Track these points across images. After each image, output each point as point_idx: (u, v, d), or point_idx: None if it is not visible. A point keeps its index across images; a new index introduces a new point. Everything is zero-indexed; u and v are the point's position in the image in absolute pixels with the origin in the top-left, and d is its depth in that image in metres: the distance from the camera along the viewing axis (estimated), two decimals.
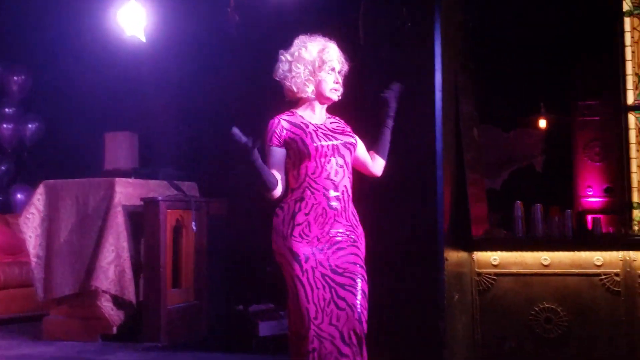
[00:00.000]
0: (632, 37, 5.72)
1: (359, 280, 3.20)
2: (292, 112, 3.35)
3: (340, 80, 3.35)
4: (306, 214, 3.18)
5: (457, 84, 4.81)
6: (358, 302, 3.16)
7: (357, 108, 4.47)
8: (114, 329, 5.51)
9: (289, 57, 3.35)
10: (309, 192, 3.19)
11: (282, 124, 3.27)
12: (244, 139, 3.02)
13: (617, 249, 4.52)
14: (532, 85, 5.71)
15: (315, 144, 3.20)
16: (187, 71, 6.47)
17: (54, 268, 5.66)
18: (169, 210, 5.57)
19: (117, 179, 5.68)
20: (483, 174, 5.41)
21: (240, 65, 6.20)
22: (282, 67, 3.36)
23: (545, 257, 4.64)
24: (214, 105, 6.25)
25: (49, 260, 5.73)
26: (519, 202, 4.86)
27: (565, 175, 5.66)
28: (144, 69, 6.51)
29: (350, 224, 3.26)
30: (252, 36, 5.96)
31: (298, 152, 3.21)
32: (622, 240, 4.73)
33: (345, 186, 3.26)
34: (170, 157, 6.63)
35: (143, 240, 5.63)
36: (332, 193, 3.21)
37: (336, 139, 3.28)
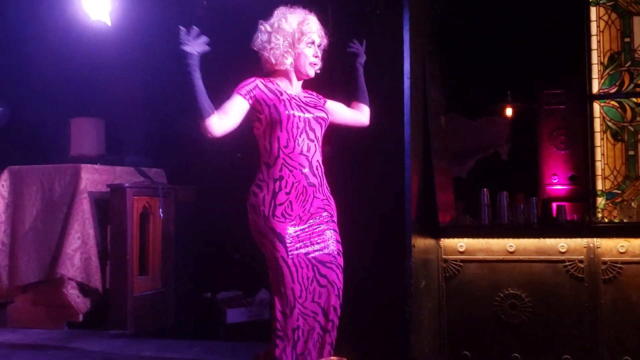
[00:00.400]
0: (598, 27, 5.79)
1: (339, 257, 3.29)
2: (271, 80, 3.34)
3: (319, 54, 3.35)
4: (287, 193, 3.19)
5: (425, 72, 4.83)
6: (338, 278, 3.25)
7: (326, 96, 4.46)
8: (80, 317, 5.47)
9: (268, 28, 3.33)
10: (287, 171, 3.19)
11: (257, 82, 3.26)
12: (189, 41, 3.08)
13: (581, 236, 4.58)
14: (499, 74, 5.76)
15: (287, 112, 3.19)
16: (155, 56, 6.40)
17: (19, 255, 5.59)
18: (135, 197, 5.52)
19: (83, 165, 5.62)
20: (450, 162, 5.45)
21: (209, 50, 6.15)
22: (261, 37, 3.34)
23: (510, 244, 4.70)
24: (182, 92, 6.19)
25: (13, 247, 5.66)
26: (485, 189, 4.90)
27: (530, 163, 5.73)
28: (110, 54, 6.43)
29: (326, 197, 3.32)
30: (220, 20, 5.91)
31: (270, 118, 3.19)
32: (586, 227, 4.80)
33: (317, 161, 3.29)
34: (138, 144, 6.57)
35: (109, 227, 5.58)
36: (307, 169, 3.23)
37: (309, 112, 3.28)
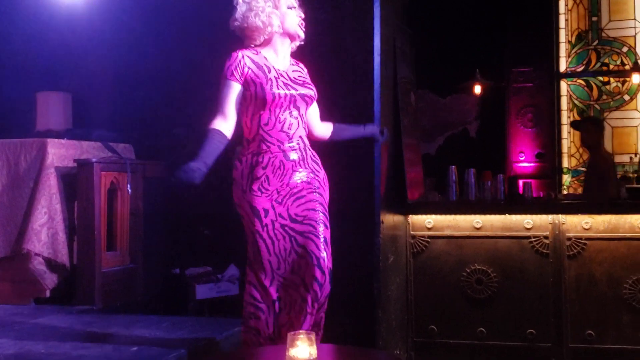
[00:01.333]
0: (566, 5, 5.85)
1: (318, 227, 3.20)
2: (256, 51, 3.26)
3: (302, 16, 3.28)
4: (264, 168, 3.16)
5: (395, 49, 4.83)
6: (317, 248, 3.16)
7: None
8: (47, 292, 5.41)
9: (253, 1, 3.24)
10: (264, 146, 3.16)
11: (245, 60, 3.19)
12: (189, 178, 2.99)
13: (547, 213, 4.66)
14: (468, 52, 5.80)
15: (272, 92, 3.13)
16: (124, 30, 6.31)
17: None
18: (103, 172, 5.46)
19: (49, 140, 5.53)
20: (419, 139, 5.48)
21: (178, 25, 6.09)
22: (240, 9, 3.26)
23: (477, 220, 4.75)
24: (151, 66, 6.12)
25: None
26: (453, 166, 4.95)
27: (498, 141, 5.80)
28: (78, 27, 6.32)
29: (311, 170, 3.26)
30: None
31: (255, 97, 3.15)
32: (551, 204, 4.88)
33: (300, 136, 3.23)
34: (105, 119, 6.48)
35: (77, 202, 5.52)
36: (287, 144, 3.18)
37: (295, 89, 3.21)
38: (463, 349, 4.72)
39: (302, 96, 3.23)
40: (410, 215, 4.82)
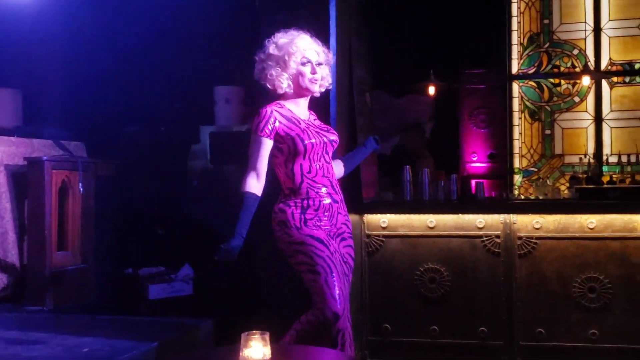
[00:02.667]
0: (519, 8, 5.95)
1: (351, 272, 3.42)
2: (281, 105, 3.36)
3: (319, 71, 3.35)
4: (315, 210, 3.27)
5: (351, 49, 4.85)
6: (348, 293, 3.32)
7: (254, 68, 4.44)
8: None
9: (262, 56, 3.39)
10: (313, 192, 3.28)
11: (275, 114, 3.28)
12: (229, 257, 3.12)
13: (499, 212, 4.72)
14: (423, 53, 5.84)
15: (309, 141, 3.25)
16: (75, 26, 6.21)
17: None
18: (54, 171, 5.38)
19: None
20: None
21: (133, 22, 6.02)
22: (257, 67, 3.40)
23: (431, 220, 4.80)
24: (104, 63, 6.04)
25: None
26: (407, 166, 4.99)
27: (452, 141, 5.86)
28: (28, 22, 6.20)
29: (346, 213, 3.43)
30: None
31: (293, 148, 3.25)
32: (503, 203, 4.95)
33: (336, 180, 3.40)
34: (57, 116, 6.38)
35: (27, 201, 5.43)
36: (331, 188, 3.33)
37: (325, 136, 3.35)
38: (416, 347, 4.77)
39: (331, 142, 3.38)
40: (365, 215, 4.85)
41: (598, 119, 5.80)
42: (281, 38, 3.38)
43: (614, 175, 5.44)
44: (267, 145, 3.27)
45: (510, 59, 5.89)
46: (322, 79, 3.40)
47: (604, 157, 5.69)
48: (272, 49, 3.36)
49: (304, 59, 3.34)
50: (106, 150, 6.03)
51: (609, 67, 5.83)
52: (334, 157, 3.58)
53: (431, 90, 5.82)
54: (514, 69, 5.93)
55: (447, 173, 5.18)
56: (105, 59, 6.02)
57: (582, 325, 4.58)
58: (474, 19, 5.74)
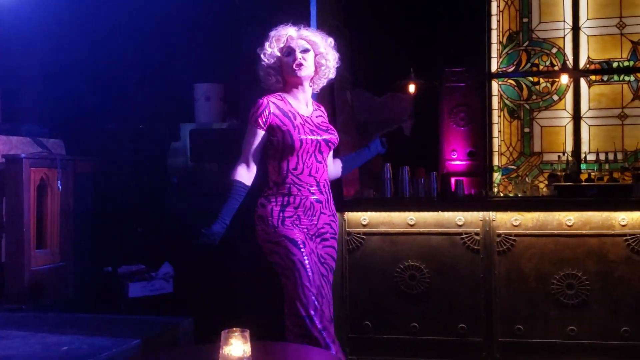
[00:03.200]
0: (498, 6, 5.98)
1: (331, 274, 3.39)
2: (281, 97, 3.35)
3: (306, 57, 3.32)
4: (295, 208, 3.25)
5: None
6: (330, 293, 3.34)
7: (234, 68, 4.44)
8: None
9: (261, 53, 3.40)
10: (295, 189, 3.26)
11: (270, 106, 3.27)
12: (210, 242, 3.13)
13: (478, 210, 4.75)
14: (404, 51, 5.85)
15: (300, 138, 3.23)
16: (54, 22, 6.16)
17: None
18: (32, 169, 5.33)
19: None
20: (355, 137, 5.53)
21: (111, 18, 5.98)
22: (258, 70, 3.43)
23: (411, 217, 4.82)
24: (83, 59, 6.00)
25: None
26: (388, 164, 5.00)
27: (432, 139, 5.89)
28: (6, 19, 6.14)
29: (332, 213, 3.41)
30: None
31: (282, 143, 3.24)
32: (482, 201, 4.98)
33: (325, 180, 3.36)
34: (35, 113, 6.32)
35: (5, 199, 5.38)
36: (315, 188, 3.30)
37: (320, 134, 3.32)
38: (397, 344, 4.78)
39: (327, 142, 3.34)
40: (346, 212, 4.86)
41: (576, 117, 5.85)
42: (270, 35, 3.40)
43: (592, 173, 5.49)
44: (260, 135, 3.27)
45: (489, 57, 5.94)
46: (315, 65, 3.37)
47: (582, 155, 5.74)
48: (259, 51, 3.38)
49: (286, 49, 3.34)
50: (85, 147, 5.99)
51: (587, 66, 5.88)
52: (335, 157, 3.60)
53: (411, 88, 5.83)
54: (494, 67, 5.97)
55: (427, 171, 5.20)
56: (84, 56, 5.97)
57: (561, 322, 4.62)
58: (454, 18, 5.77)
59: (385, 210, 4.83)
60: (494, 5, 5.96)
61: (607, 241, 4.58)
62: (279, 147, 3.26)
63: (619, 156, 5.66)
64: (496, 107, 5.96)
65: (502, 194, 5.56)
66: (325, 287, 3.30)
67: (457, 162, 5.79)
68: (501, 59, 5.97)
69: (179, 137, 6.22)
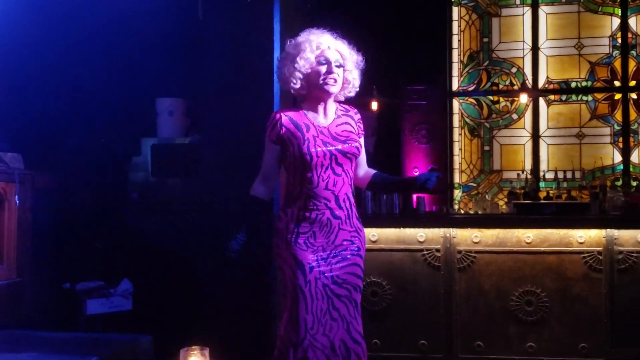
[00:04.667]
0: (459, 26, 6.07)
1: (355, 292, 3.20)
2: (298, 109, 3.22)
3: (338, 72, 3.15)
4: (311, 223, 3.11)
5: None
6: (348, 313, 3.16)
7: (198, 83, 4.43)
8: None
9: (281, 55, 3.25)
10: (311, 204, 3.11)
11: (282, 119, 3.15)
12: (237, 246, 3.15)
13: (439, 226, 4.79)
14: (366, 68, 5.88)
15: (310, 152, 3.08)
16: (12, 34, 6.08)
17: None
18: None
19: None
20: None
21: (72, 30, 5.92)
22: (277, 67, 3.26)
23: (373, 234, 4.84)
24: (42, 72, 5.92)
25: None
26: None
27: (394, 156, 5.93)
28: None
29: (354, 228, 3.21)
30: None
31: (294, 156, 3.12)
32: (443, 218, 5.03)
33: (346, 194, 3.17)
34: None
35: None
36: (334, 203, 3.13)
37: (334, 145, 3.13)
38: None
39: (344, 153, 3.15)
40: None
41: (535, 136, 5.95)
42: (301, 36, 3.22)
43: (550, 191, 5.59)
44: (274, 149, 3.18)
45: (450, 76, 6.01)
46: (342, 81, 3.19)
47: (541, 173, 5.83)
48: (289, 47, 3.20)
49: (321, 57, 3.15)
50: (45, 162, 5.89)
51: (546, 86, 5.99)
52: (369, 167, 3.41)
53: (374, 105, 5.87)
54: (455, 86, 6.04)
55: None
56: (44, 69, 5.89)
57: (520, 338, 4.67)
58: (416, 36, 5.84)
59: None
60: (455, 24, 6.05)
61: (565, 258, 4.65)
62: (293, 160, 3.13)
63: (577, 175, 5.76)
64: (457, 125, 6.03)
65: (462, 211, 5.62)
66: (342, 309, 3.14)
67: None
68: (462, 78, 6.05)
69: (140, 151, 6.16)
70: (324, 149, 3.10)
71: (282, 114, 3.16)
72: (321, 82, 3.12)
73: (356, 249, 3.20)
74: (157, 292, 5.15)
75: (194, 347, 2.45)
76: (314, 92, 3.16)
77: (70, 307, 5.26)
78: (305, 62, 3.13)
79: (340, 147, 3.14)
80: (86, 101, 5.86)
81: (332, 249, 3.14)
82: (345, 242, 3.17)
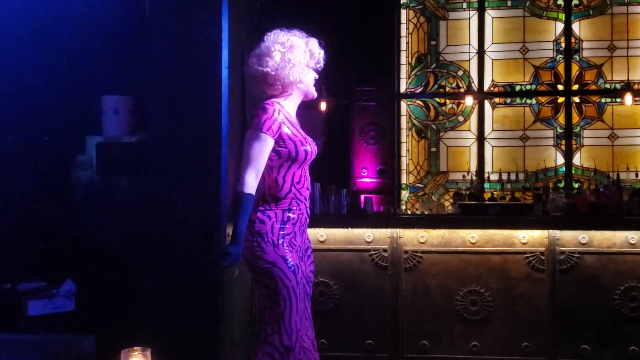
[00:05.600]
0: (407, 29, 6.12)
1: (312, 290, 3.29)
2: (281, 105, 3.13)
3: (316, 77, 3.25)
4: (294, 224, 3.11)
5: (243, 62, 4.84)
6: (311, 311, 3.25)
7: (145, 81, 4.37)
8: None
9: (280, 48, 3.14)
10: (295, 204, 3.10)
11: (282, 115, 3.06)
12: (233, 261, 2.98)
13: (386, 226, 4.83)
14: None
15: (306, 150, 3.09)
16: None
17: None
18: None
19: None
20: None
21: (12, 22, 5.77)
22: (275, 57, 3.12)
23: (321, 234, 4.85)
24: (13, 74, 5.76)
25: None
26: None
27: (343, 156, 5.95)
28: None
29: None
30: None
31: (294, 154, 3.05)
32: (390, 218, 5.07)
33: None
34: None
35: None
36: (308, 202, 3.19)
37: (312, 144, 3.20)
38: None
39: (316, 153, 3.22)
40: None
41: (480, 138, 6.03)
42: (293, 34, 3.24)
43: (494, 192, 5.68)
44: (270, 144, 3.05)
45: (399, 77, 6.06)
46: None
47: (486, 175, 5.92)
48: (295, 41, 3.19)
49: (318, 64, 3.26)
50: None
51: (492, 89, 6.09)
52: None
53: (323, 105, 5.88)
54: (402, 87, 6.09)
55: (337, 188, 5.25)
56: (15, 70, 5.74)
57: (464, 337, 4.74)
58: (366, 38, 5.87)
59: None
60: (403, 27, 6.10)
61: (509, 258, 4.74)
62: (285, 158, 3.07)
63: (521, 176, 5.86)
64: (405, 127, 6.08)
65: (409, 212, 5.67)
66: (309, 307, 3.22)
67: (367, 180, 5.87)
68: (410, 80, 6.10)
69: (85, 150, 6.05)
70: (310, 148, 3.15)
71: (279, 109, 3.09)
72: (313, 88, 3.22)
73: (312, 249, 3.32)
74: (101, 293, 5.06)
75: (135, 347, 2.42)
76: (299, 92, 3.19)
77: (10, 308, 5.14)
78: (307, 70, 3.20)
79: (314, 146, 3.21)
80: (29, 98, 5.73)
81: (305, 248, 3.22)
82: (307, 241, 3.26)
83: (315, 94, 3.28)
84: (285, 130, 3.06)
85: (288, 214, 3.09)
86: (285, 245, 3.07)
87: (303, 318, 3.12)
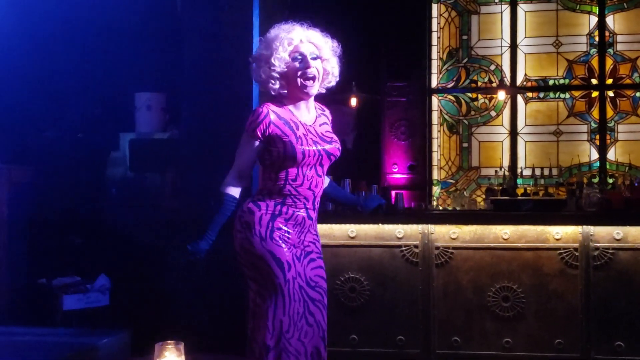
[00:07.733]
0: (439, 23, 6.09)
1: (325, 297, 3.10)
2: (281, 104, 3.03)
3: (314, 65, 2.99)
4: (286, 220, 2.98)
5: None
6: (323, 319, 3.07)
7: (177, 77, 4.42)
8: None
9: (254, 56, 3.06)
10: (290, 200, 2.98)
11: (270, 116, 2.94)
12: (195, 259, 2.91)
13: (417, 222, 4.81)
14: (346, 64, 5.89)
15: (303, 150, 2.94)
16: None
17: None
18: None
19: None
20: None
21: (47, 23, 5.86)
22: (252, 68, 3.07)
23: (352, 230, 4.85)
24: (19, 66, 5.86)
25: None
26: (329, 177, 5.01)
27: (373, 152, 5.94)
28: None
29: (316, 233, 3.13)
30: None
31: (283, 155, 2.95)
32: (421, 214, 5.05)
33: (319, 197, 3.09)
34: None
35: None
36: (311, 203, 3.03)
37: (323, 145, 3.02)
38: (336, 356, 4.76)
39: (328, 154, 3.04)
40: None
41: (513, 133, 5.98)
42: (271, 33, 3.03)
43: (527, 188, 5.62)
44: (254, 146, 2.97)
45: (430, 73, 6.03)
46: (321, 73, 3.04)
47: (519, 170, 5.87)
48: (261, 49, 3.03)
49: (295, 53, 2.99)
50: (22, 156, 5.84)
51: (524, 83, 6.03)
52: (329, 173, 3.30)
53: (353, 101, 5.88)
54: (434, 82, 6.06)
55: (368, 183, 5.24)
56: (21, 62, 5.83)
57: (497, 334, 4.70)
58: (396, 33, 5.85)
59: (326, 223, 4.83)
60: (434, 22, 6.07)
61: (542, 254, 4.69)
62: (279, 158, 2.97)
63: (554, 172, 5.80)
64: (436, 122, 6.05)
65: (440, 208, 5.65)
66: (317, 314, 3.05)
67: (398, 176, 5.85)
68: (441, 75, 6.07)
69: (118, 146, 6.13)
70: (314, 148, 2.99)
71: (269, 110, 2.97)
72: (300, 84, 2.98)
73: (319, 251, 3.13)
74: (135, 288, 5.13)
75: (169, 341, 2.45)
76: (292, 91, 3.02)
77: (46, 303, 5.23)
78: (280, 62, 2.97)
79: (326, 147, 3.04)
80: (64, 95, 5.82)
81: (302, 249, 3.05)
82: (310, 244, 3.09)
83: (302, 89, 3.01)
84: (276, 130, 2.96)
85: (281, 208, 2.98)
86: (274, 238, 2.95)
87: (297, 321, 2.97)
